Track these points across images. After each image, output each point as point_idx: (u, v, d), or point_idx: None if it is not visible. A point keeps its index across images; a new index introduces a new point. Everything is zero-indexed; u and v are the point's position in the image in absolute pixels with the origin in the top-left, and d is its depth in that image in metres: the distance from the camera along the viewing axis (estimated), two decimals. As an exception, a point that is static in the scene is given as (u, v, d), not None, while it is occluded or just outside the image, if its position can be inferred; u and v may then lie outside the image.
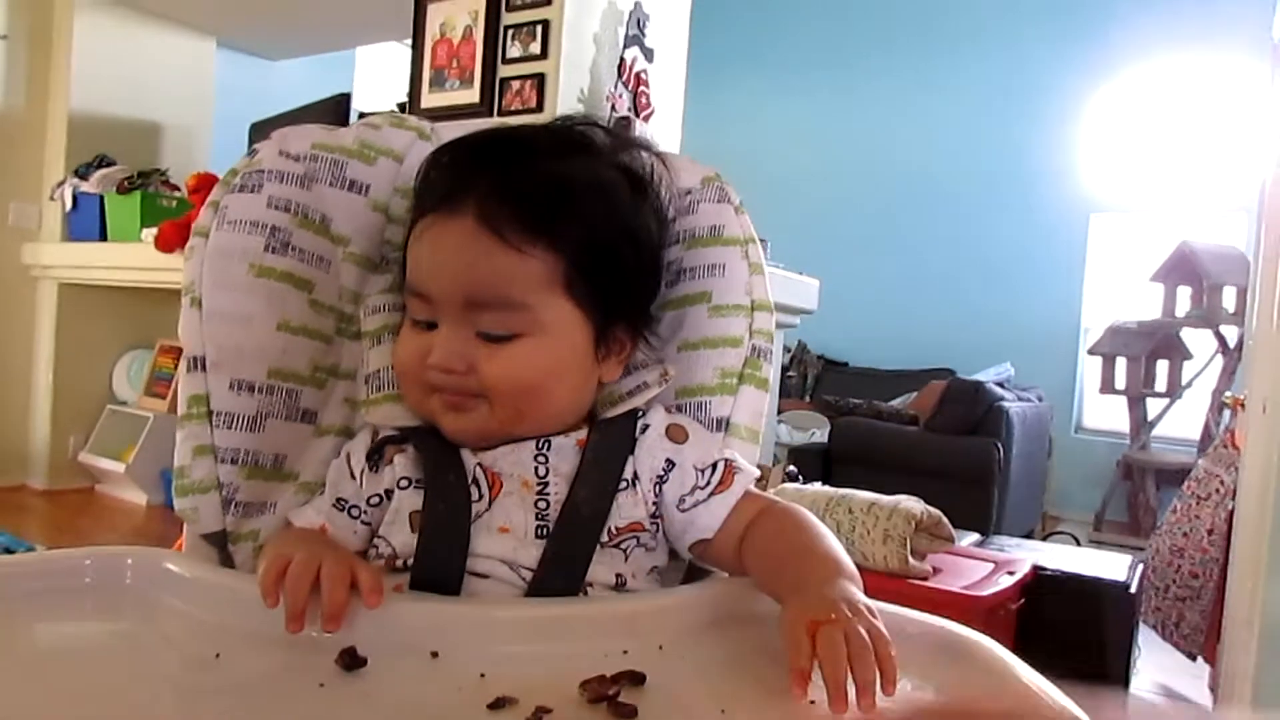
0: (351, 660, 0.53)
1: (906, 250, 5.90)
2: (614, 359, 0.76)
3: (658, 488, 0.73)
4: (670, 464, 0.74)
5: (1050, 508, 4.99)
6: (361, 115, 0.92)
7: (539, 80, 3.06)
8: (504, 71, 3.14)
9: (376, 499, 0.73)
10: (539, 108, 3.03)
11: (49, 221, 3.95)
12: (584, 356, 0.73)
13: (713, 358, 0.81)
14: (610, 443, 0.74)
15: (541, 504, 0.71)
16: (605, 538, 0.71)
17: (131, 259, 3.52)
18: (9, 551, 2.34)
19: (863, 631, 0.54)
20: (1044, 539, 3.85)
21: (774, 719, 0.51)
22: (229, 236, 0.75)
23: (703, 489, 0.73)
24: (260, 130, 3.87)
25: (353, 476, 0.74)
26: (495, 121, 0.91)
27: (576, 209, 0.70)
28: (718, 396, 0.81)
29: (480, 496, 0.71)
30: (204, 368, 0.73)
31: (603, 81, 3.14)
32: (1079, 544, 3.47)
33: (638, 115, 3.26)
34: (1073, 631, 2.22)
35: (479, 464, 0.72)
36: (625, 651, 0.58)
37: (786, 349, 5.60)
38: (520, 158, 0.71)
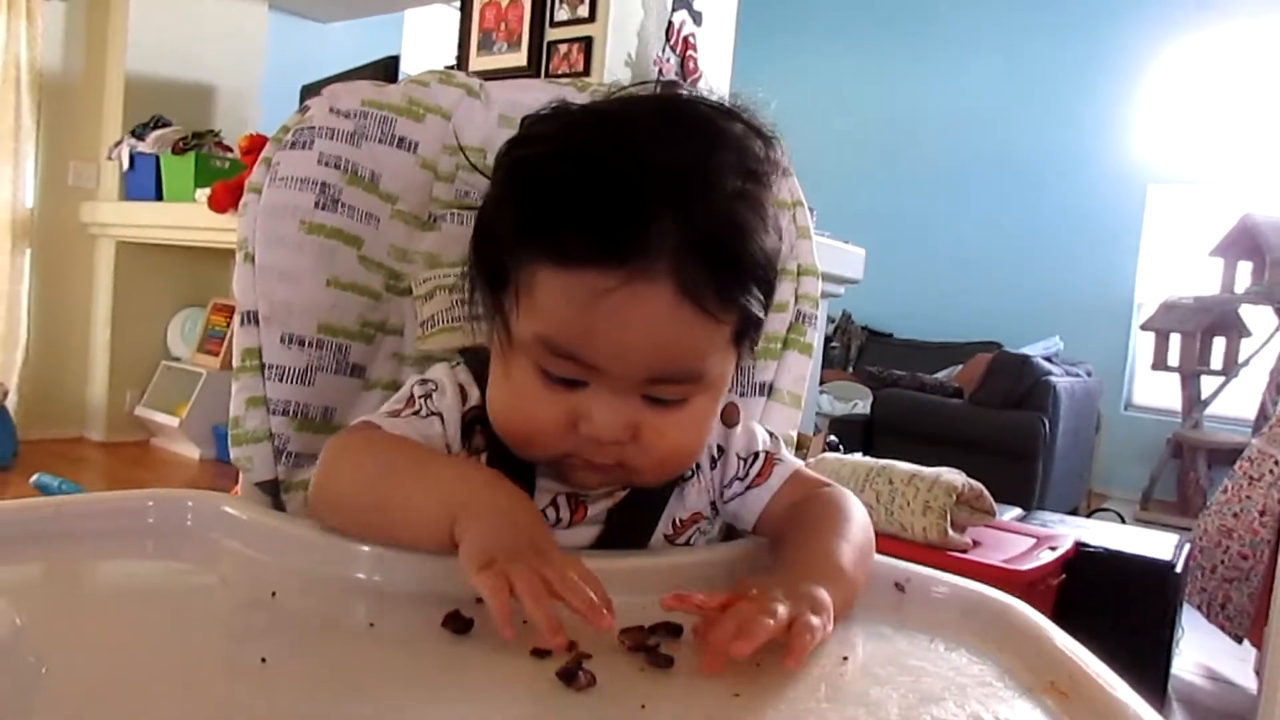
0: (459, 624, 0.52)
1: (956, 221, 5.81)
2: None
3: (715, 474, 0.72)
4: (721, 450, 0.73)
5: (1096, 485, 4.93)
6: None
7: (586, 44, 3.05)
8: (551, 35, 3.13)
9: None
10: (586, 71, 3.02)
11: (107, 181, 4.06)
12: (727, 387, 0.68)
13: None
14: None
15: (614, 506, 0.70)
16: (670, 530, 0.71)
17: (186, 219, 3.60)
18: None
19: (772, 615, 0.50)
20: (1088, 516, 3.80)
21: (818, 675, 0.52)
22: (280, 193, 0.77)
23: (741, 480, 0.72)
24: (311, 93, 3.90)
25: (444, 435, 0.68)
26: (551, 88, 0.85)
27: (766, 260, 0.61)
28: (761, 361, 0.81)
29: (559, 521, 0.68)
30: (256, 322, 0.76)
31: (650, 45, 3.13)
32: (1124, 521, 3.42)
33: (685, 80, 3.23)
34: (1114, 609, 2.19)
35: (570, 495, 0.68)
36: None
37: (830, 319, 5.56)
38: (694, 189, 0.57)
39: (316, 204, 0.78)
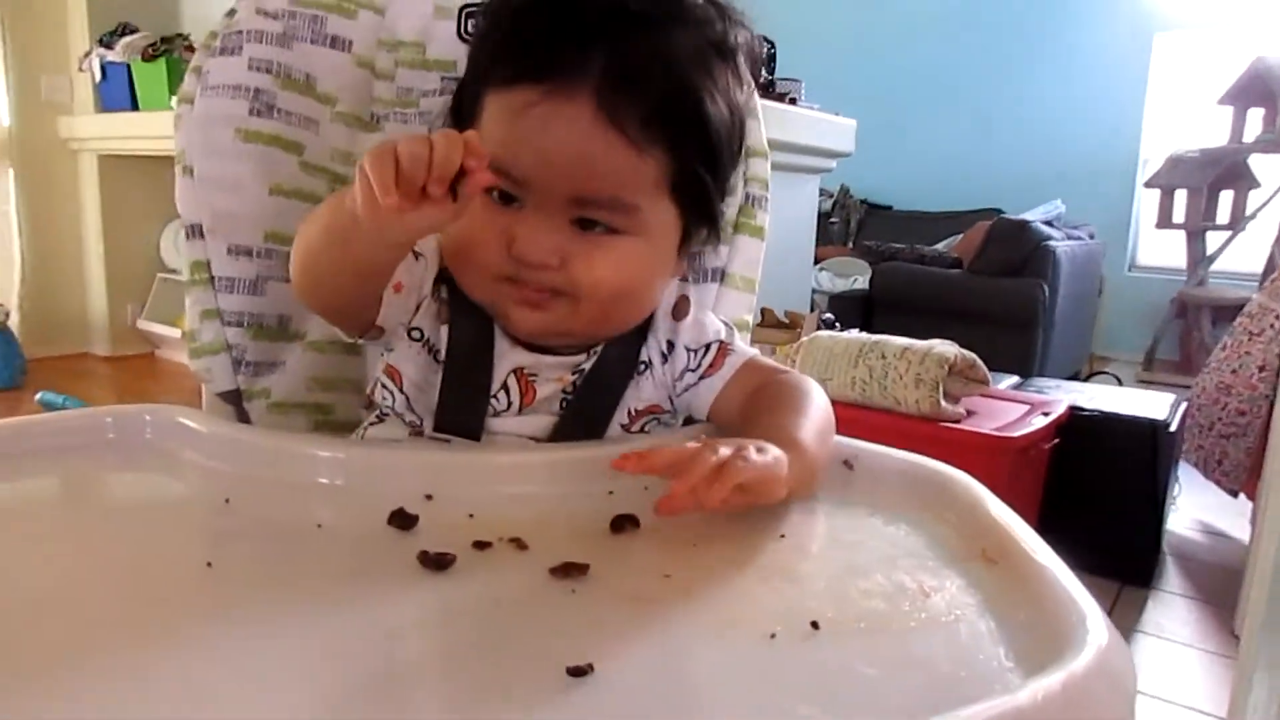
0: (404, 521, 0.54)
1: (952, 84, 5.63)
2: (685, 254, 0.72)
3: (666, 369, 0.72)
4: (670, 345, 0.73)
5: (1099, 348, 4.93)
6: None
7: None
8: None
9: (417, 333, 0.70)
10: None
11: (81, 93, 3.97)
12: (672, 256, 0.70)
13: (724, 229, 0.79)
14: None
15: (568, 394, 0.70)
16: (625, 419, 0.71)
17: (164, 128, 3.51)
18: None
19: (734, 455, 0.52)
20: (1085, 380, 3.82)
21: (752, 553, 0.54)
22: (213, 102, 0.75)
23: (693, 372, 0.72)
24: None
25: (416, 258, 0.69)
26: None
27: (696, 107, 0.64)
28: (711, 246, 0.80)
29: (509, 405, 0.69)
30: (201, 234, 0.75)
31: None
32: (1120, 384, 3.44)
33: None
34: (1108, 471, 2.23)
35: (516, 371, 0.69)
36: (610, 492, 0.60)
37: (828, 194, 5.47)
38: (634, 29, 0.62)
39: (251, 111, 0.76)
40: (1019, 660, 0.43)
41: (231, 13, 0.78)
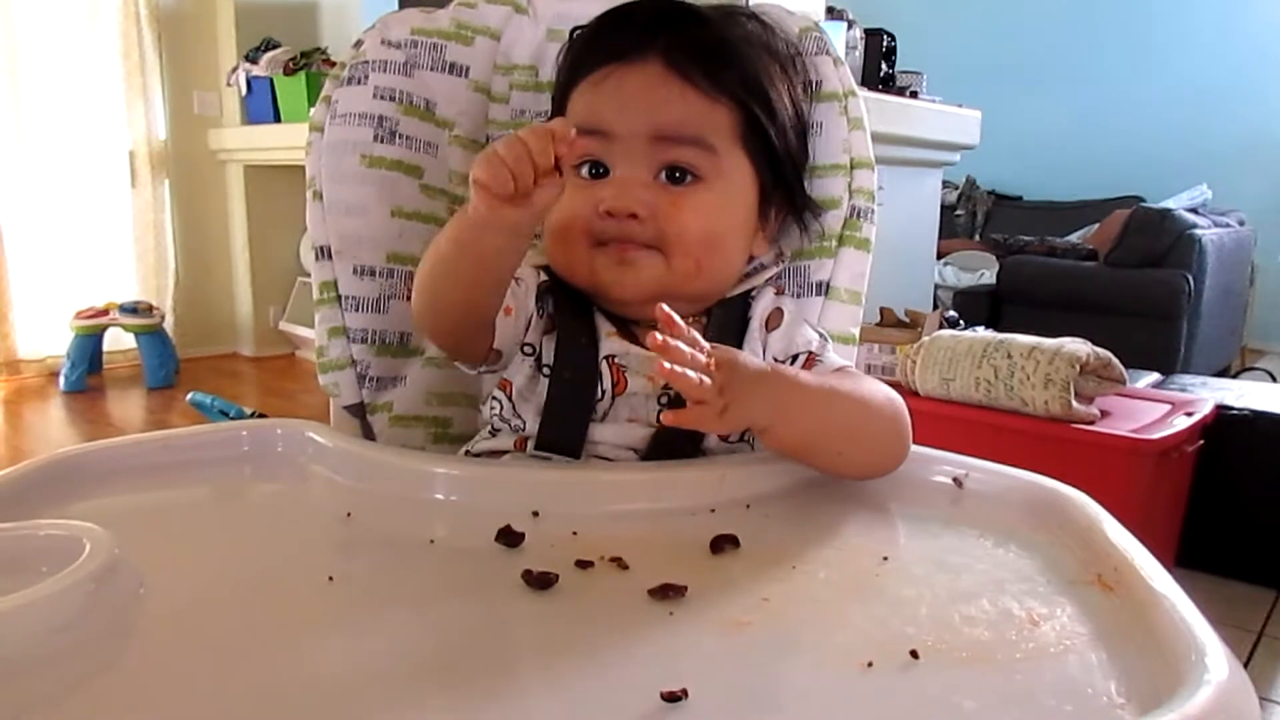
0: (511, 538, 0.56)
1: (1086, 64, 5.34)
2: (767, 231, 0.76)
3: None
4: (761, 357, 0.73)
5: (1252, 340, 4.62)
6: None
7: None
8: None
9: (529, 348, 0.74)
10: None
11: (229, 107, 4.22)
12: (751, 216, 0.74)
13: (810, 220, 0.79)
14: (723, 332, 0.73)
15: (664, 399, 0.71)
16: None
17: (303, 138, 3.67)
18: (225, 415, 2.64)
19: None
20: (1235, 376, 3.58)
21: (853, 576, 0.53)
22: (340, 130, 0.80)
23: None
24: (409, 2, 3.92)
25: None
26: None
27: (753, 69, 0.72)
28: (816, 260, 0.80)
29: (603, 394, 0.71)
30: (329, 256, 0.80)
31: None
32: (1274, 380, 3.21)
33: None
34: (1261, 474, 2.09)
35: (608, 358, 0.72)
36: (712, 510, 0.61)
37: (953, 185, 5.29)
38: (692, 22, 0.72)
39: (375, 137, 0.80)
40: (1130, 697, 0.41)
41: (358, 44, 0.83)
